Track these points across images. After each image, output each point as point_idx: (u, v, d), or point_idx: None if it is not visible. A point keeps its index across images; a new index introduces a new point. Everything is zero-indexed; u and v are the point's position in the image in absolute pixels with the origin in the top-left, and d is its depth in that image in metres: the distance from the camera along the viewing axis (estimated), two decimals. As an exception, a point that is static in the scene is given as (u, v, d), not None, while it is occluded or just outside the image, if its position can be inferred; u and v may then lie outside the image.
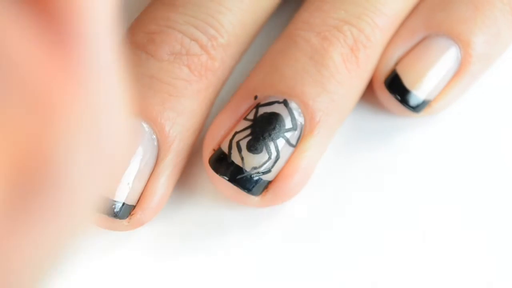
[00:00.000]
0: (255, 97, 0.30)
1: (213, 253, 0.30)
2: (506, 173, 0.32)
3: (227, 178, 0.29)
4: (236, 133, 0.30)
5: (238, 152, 0.29)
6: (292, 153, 0.30)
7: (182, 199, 0.31)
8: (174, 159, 0.30)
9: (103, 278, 0.30)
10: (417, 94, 0.31)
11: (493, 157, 0.32)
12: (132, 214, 0.29)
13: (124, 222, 0.29)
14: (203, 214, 0.31)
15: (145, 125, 0.29)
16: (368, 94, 0.32)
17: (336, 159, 0.32)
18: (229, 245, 0.31)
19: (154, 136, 0.29)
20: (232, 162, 0.29)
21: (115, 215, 0.29)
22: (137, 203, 0.29)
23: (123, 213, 0.29)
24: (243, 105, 0.30)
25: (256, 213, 0.31)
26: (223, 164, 0.30)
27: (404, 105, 0.31)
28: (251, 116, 0.30)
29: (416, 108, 0.31)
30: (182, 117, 0.30)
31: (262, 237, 0.31)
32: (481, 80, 0.33)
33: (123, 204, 0.29)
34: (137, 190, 0.29)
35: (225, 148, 0.30)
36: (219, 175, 0.30)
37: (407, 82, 0.31)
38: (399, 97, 0.31)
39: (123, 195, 0.29)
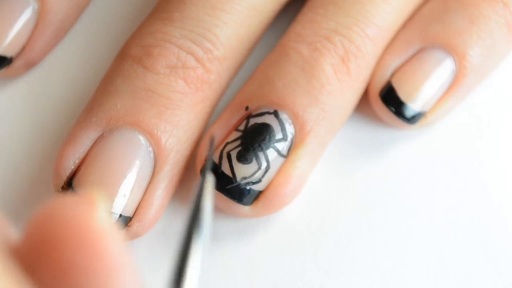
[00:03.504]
0: (246, 108, 0.31)
1: (208, 262, 0.30)
2: (502, 184, 0.31)
3: (217, 188, 0.29)
4: (227, 143, 0.30)
5: (228, 162, 0.29)
6: (283, 163, 0.30)
7: (177, 210, 0.31)
8: (170, 171, 0.30)
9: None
10: (412, 106, 0.31)
11: (489, 169, 0.32)
12: (129, 226, 0.29)
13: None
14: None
15: (141, 138, 0.29)
16: (364, 105, 0.32)
17: (331, 170, 0.32)
18: (223, 254, 0.31)
19: (151, 149, 0.30)
20: (223, 172, 0.29)
21: None
22: (133, 214, 0.29)
23: (120, 224, 0.29)
24: (235, 115, 0.31)
25: (250, 223, 0.31)
26: (213, 174, 0.30)
27: (399, 117, 0.31)
28: (242, 127, 0.30)
29: (411, 120, 0.31)
30: (178, 129, 0.30)
31: (255, 247, 0.31)
32: (477, 92, 0.33)
33: (120, 215, 0.29)
34: (133, 202, 0.29)
35: (215, 159, 0.30)
36: (210, 185, 0.30)
37: (402, 94, 0.31)
38: (393, 109, 0.31)
39: (119, 207, 0.29)
